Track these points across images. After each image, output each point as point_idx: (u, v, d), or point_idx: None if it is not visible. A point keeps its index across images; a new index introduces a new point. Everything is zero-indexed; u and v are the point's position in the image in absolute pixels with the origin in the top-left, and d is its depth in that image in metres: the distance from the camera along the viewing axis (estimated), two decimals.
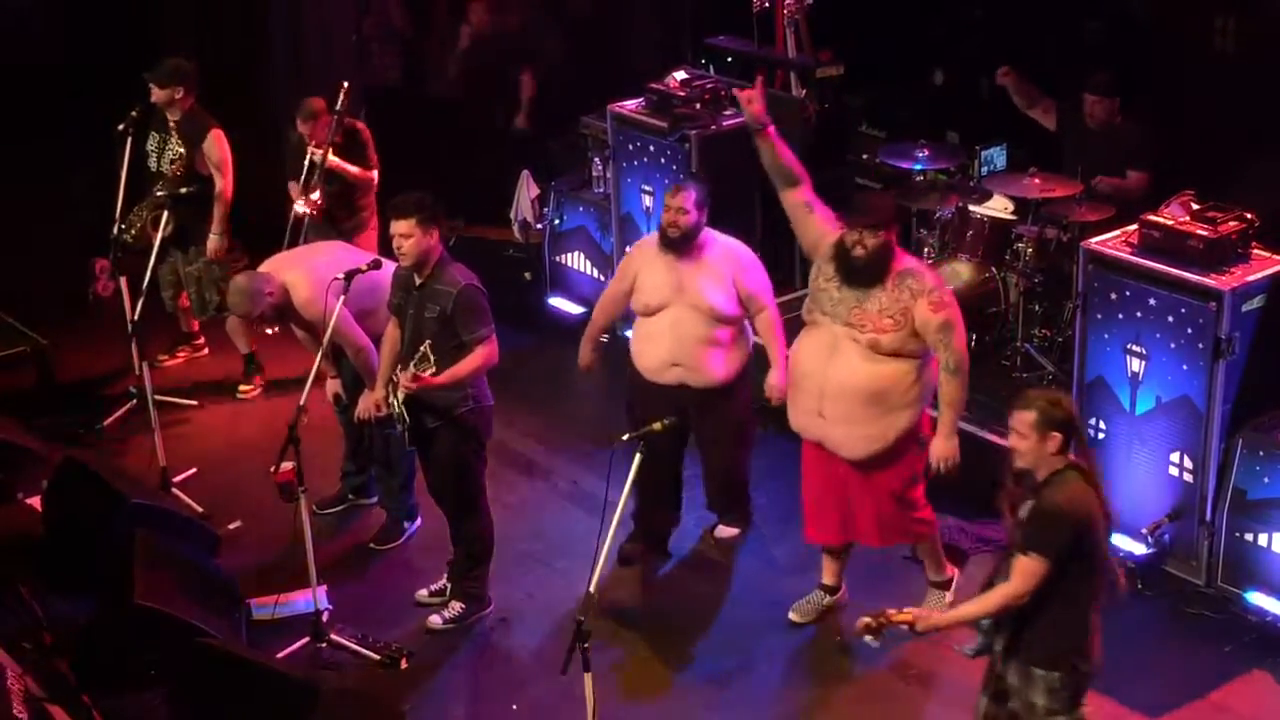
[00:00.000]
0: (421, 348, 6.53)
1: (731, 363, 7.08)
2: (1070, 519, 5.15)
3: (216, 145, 8.54)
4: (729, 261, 7.07)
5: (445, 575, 7.12)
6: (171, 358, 9.25)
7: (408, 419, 6.71)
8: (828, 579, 7.01)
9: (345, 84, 8.48)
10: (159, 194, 8.54)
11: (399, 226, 6.51)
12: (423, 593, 7.17)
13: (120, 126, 8.30)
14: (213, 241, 8.62)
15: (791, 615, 7.01)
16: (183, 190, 8.51)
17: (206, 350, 9.37)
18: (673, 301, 7.02)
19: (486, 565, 7.03)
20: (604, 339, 9.54)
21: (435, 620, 6.94)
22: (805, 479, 6.80)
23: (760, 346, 7.21)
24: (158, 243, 8.15)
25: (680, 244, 6.98)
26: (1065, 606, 5.21)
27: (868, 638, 5.34)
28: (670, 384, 7.05)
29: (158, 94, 8.46)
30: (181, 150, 8.51)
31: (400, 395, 6.65)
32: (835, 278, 6.40)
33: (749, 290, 7.04)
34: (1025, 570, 5.17)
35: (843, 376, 6.35)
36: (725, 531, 7.60)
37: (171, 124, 8.55)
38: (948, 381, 6.34)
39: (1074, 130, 8.49)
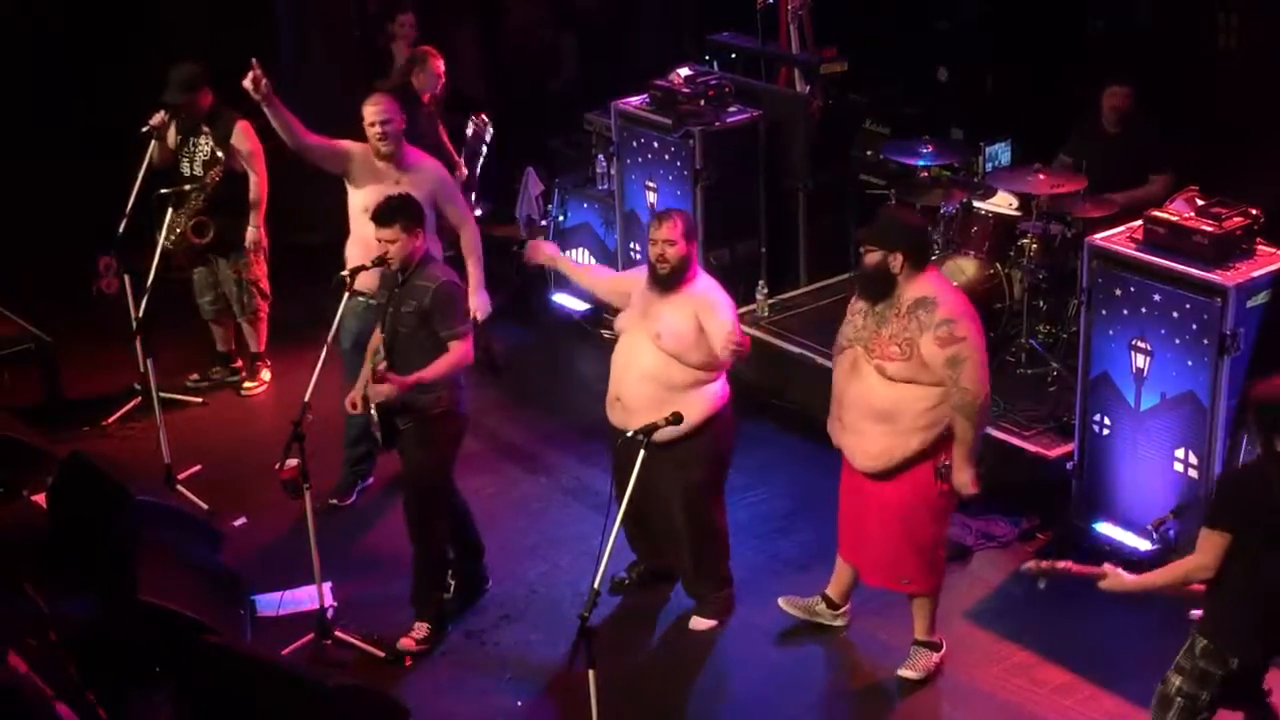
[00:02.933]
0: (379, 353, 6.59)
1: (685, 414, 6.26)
2: (1235, 492, 5.25)
3: (246, 137, 8.47)
4: (697, 299, 6.51)
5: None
6: (204, 379, 9.07)
7: (378, 419, 6.69)
8: (831, 590, 6.86)
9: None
10: (190, 199, 8.43)
11: (384, 233, 6.55)
12: None
13: (144, 129, 8.26)
14: (251, 234, 8.57)
15: (780, 601, 6.91)
16: (204, 192, 8.43)
17: (244, 373, 9.10)
18: (634, 327, 6.64)
19: (443, 584, 6.99)
20: (607, 334, 9.58)
21: (407, 643, 6.84)
22: (840, 490, 6.67)
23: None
24: (160, 243, 8.14)
25: (670, 281, 6.48)
26: (1234, 588, 5.29)
27: (1039, 581, 5.44)
28: (614, 424, 6.59)
29: (187, 106, 8.40)
30: (220, 154, 8.39)
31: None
32: (863, 308, 6.28)
33: (709, 330, 6.46)
34: (1202, 542, 5.28)
35: (859, 390, 6.26)
36: (698, 624, 6.95)
37: (203, 128, 8.47)
38: (956, 419, 6.10)
39: (1088, 140, 8.47)
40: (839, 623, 6.87)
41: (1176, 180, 8.13)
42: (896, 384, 6.14)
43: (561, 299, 9.88)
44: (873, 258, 6.16)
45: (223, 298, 8.82)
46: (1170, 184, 8.18)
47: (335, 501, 7.76)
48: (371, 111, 7.41)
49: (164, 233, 8.29)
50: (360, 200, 7.41)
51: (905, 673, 6.57)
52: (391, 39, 10.15)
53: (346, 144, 7.55)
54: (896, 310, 6.13)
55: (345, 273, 6.76)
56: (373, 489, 7.98)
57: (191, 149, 8.49)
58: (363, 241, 7.25)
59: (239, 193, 8.50)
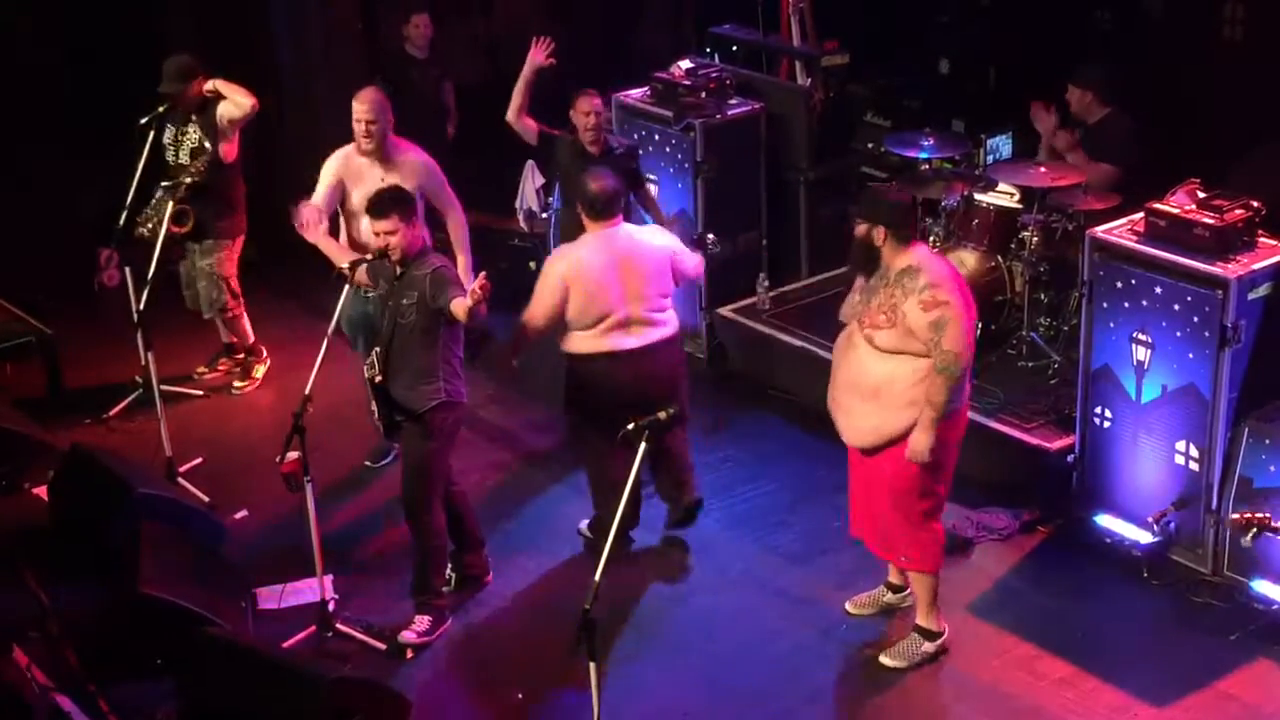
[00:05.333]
0: (371, 355, 6.62)
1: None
2: None
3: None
4: None
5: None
6: (211, 370, 9.09)
7: (378, 412, 6.71)
8: (892, 575, 6.89)
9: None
10: (180, 189, 8.42)
11: (382, 225, 6.58)
12: None
13: (143, 121, 8.23)
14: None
15: (847, 605, 6.93)
16: (191, 179, 8.39)
17: (237, 370, 9.07)
18: None
19: (442, 574, 7.00)
20: None
21: (408, 636, 6.84)
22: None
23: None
24: (162, 235, 8.13)
25: None
26: None
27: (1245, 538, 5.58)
28: None
29: (181, 97, 8.36)
30: (206, 145, 8.36)
31: (377, 373, 6.68)
32: (860, 284, 6.41)
33: None
34: None
35: (849, 369, 6.33)
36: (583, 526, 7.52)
37: (193, 116, 8.44)
38: (931, 378, 6.11)
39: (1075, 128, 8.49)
40: (909, 603, 6.82)
41: (1120, 176, 8.11)
42: (886, 358, 6.18)
43: None
44: (859, 229, 6.30)
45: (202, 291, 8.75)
46: (1110, 177, 8.15)
47: (369, 463, 7.99)
48: (360, 109, 7.48)
49: (141, 222, 8.29)
50: (350, 203, 7.56)
51: (884, 659, 6.60)
52: (405, 39, 10.11)
53: (333, 170, 7.63)
54: (885, 281, 6.22)
55: (345, 265, 6.77)
56: (372, 480, 7.99)
57: (179, 138, 8.46)
58: (356, 237, 7.43)
59: (221, 183, 8.45)
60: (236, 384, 8.98)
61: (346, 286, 6.74)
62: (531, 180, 10.07)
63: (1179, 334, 6.83)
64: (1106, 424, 7.21)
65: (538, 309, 6.94)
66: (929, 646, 6.59)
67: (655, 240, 7.16)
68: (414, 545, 6.89)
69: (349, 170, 7.63)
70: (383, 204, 6.62)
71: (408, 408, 6.66)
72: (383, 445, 8.00)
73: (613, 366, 6.95)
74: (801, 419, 8.23)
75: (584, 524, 7.49)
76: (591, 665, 5.47)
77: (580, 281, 6.85)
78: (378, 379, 6.64)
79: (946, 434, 6.27)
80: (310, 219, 7.40)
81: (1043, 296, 8.19)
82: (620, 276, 6.88)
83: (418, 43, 10.09)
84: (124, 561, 6.61)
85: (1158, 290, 6.88)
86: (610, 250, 6.90)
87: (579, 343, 6.99)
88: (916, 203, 6.51)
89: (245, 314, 8.84)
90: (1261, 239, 6.87)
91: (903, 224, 6.25)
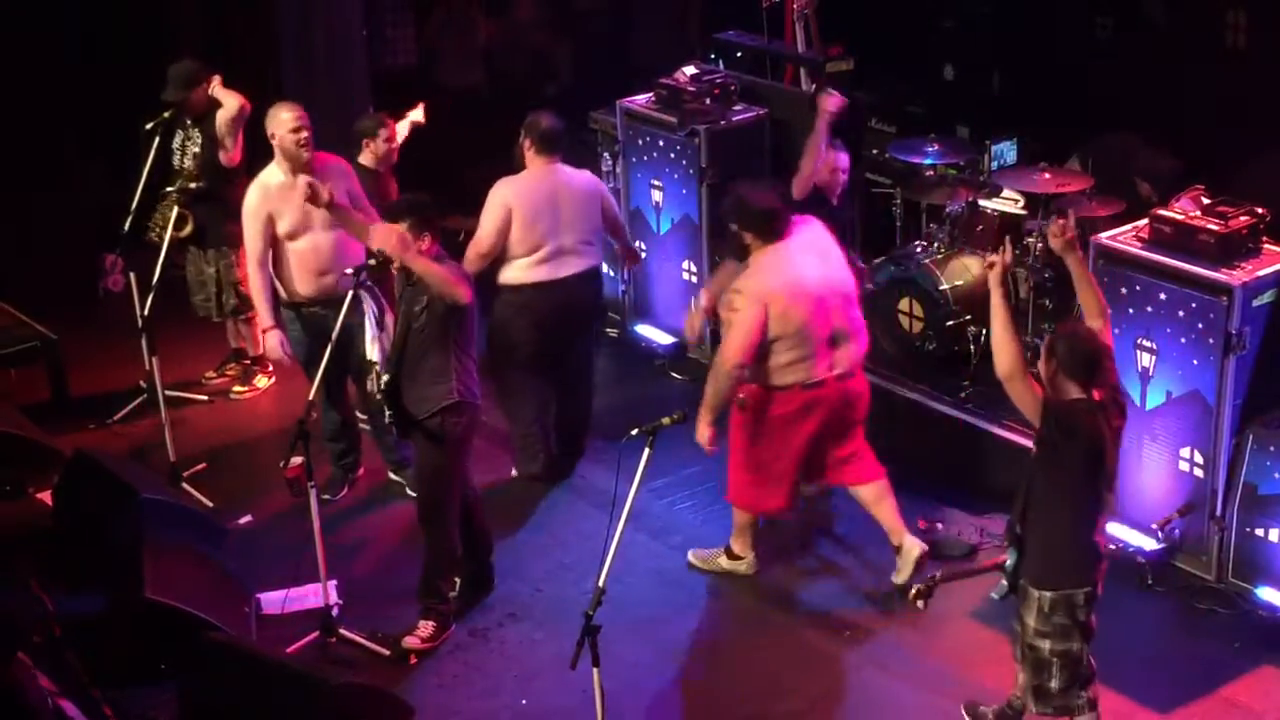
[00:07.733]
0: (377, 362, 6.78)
1: None
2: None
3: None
4: None
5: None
6: (220, 375, 9.10)
7: (387, 409, 6.74)
8: (892, 539, 7.15)
9: None
10: (178, 191, 8.44)
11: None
12: None
13: (149, 125, 8.24)
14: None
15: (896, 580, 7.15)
16: (194, 185, 8.43)
17: (256, 366, 9.08)
18: None
19: (450, 580, 7.00)
20: (612, 332, 9.56)
21: (412, 641, 6.85)
22: None
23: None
24: (167, 240, 8.14)
25: None
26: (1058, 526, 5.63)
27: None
28: None
29: (185, 103, 8.38)
30: (207, 150, 8.41)
31: (381, 384, 6.69)
32: None
33: None
34: None
35: None
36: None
37: (189, 121, 8.47)
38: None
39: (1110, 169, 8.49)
40: (902, 577, 7.05)
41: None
42: None
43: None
44: (732, 229, 6.94)
45: (213, 296, 8.76)
46: None
47: (327, 497, 7.74)
48: (297, 117, 7.44)
49: (151, 226, 8.35)
50: (283, 229, 7.51)
51: (690, 555, 7.32)
52: (364, 149, 8.07)
53: (258, 209, 7.52)
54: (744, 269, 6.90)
55: (355, 268, 6.77)
56: (377, 486, 7.99)
57: (186, 143, 8.48)
58: (300, 258, 7.53)
59: (226, 189, 8.43)
60: (236, 388, 8.98)
61: (351, 291, 6.73)
62: None
63: (1183, 340, 6.83)
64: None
65: (484, 233, 7.51)
66: (724, 562, 7.24)
67: (588, 180, 7.80)
68: (426, 543, 6.89)
69: (270, 198, 7.49)
70: (399, 209, 6.68)
71: (419, 409, 6.67)
72: (335, 476, 7.95)
73: (537, 296, 7.61)
74: None
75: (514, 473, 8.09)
76: (594, 670, 5.47)
77: (521, 207, 7.50)
78: (383, 383, 6.65)
79: (769, 409, 6.85)
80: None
81: (1047, 303, 8.18)
82: (555, 206, 7.56)
83: (381, 155, 8.08)
84: (127, 566, 6.61)
85: (1162, 296, 6.88)
86: (550, 182, 7.60)
87: (513, 272, 7.59)
88: (781, 204, 6.99)
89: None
90: (1266, 245, 6.88)
91: (763, 228, 6.82)
